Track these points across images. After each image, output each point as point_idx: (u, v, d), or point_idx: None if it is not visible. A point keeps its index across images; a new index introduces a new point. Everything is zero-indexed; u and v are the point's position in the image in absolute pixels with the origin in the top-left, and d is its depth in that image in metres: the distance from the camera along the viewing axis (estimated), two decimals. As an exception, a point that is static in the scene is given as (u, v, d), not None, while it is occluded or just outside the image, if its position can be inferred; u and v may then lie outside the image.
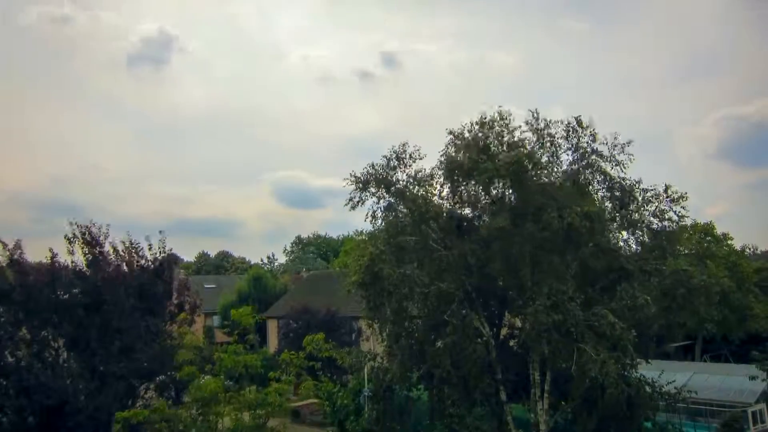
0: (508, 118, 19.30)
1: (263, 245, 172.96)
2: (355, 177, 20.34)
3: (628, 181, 19.12)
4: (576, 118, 19.10)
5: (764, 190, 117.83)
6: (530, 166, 17.99)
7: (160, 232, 25.56)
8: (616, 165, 18.94)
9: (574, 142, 19.24)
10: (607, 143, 18.96)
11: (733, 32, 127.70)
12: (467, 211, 20.50)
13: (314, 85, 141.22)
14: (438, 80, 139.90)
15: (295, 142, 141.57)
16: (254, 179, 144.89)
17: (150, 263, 24.70)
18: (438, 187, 20.27)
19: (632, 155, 18.90)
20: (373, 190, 20.28)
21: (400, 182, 20.33)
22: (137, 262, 24.56)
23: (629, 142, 18.86)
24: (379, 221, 20.35)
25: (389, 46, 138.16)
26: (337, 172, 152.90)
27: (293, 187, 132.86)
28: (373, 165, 20.33)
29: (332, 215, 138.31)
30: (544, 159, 19.00)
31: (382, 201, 20.33)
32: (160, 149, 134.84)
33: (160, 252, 24.95)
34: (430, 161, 20.49)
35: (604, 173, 19.07)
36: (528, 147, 18.75)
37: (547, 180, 18.54)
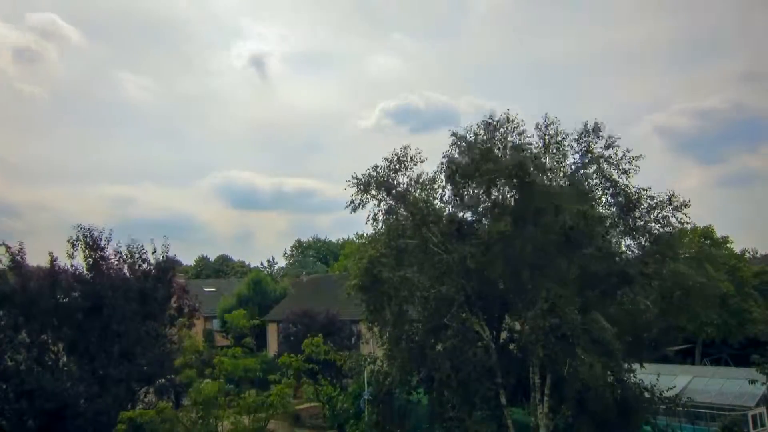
0: (514, 120, 19.37)
1: (221, 249, 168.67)
2: (356, 179, 20.38)
3: (634, 188, 19.26)
4: (595, 123, 19.35)
5: (724, 187, 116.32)
6: (533, 170, 18.03)
7: (156, 239, 25.38)
8: (623, 173, 19.14)
9: (584, 147, 19.35)
10: (616, 151, 19.15)
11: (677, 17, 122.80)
12: (467, 214, 20.55)
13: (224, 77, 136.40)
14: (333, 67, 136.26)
15: (231, 139, 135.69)
16: (197, 178, 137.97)
17: (152, 267, 24.73)
18: (439, 190, 20.36)
19: (638, 167, 19.14)
20: (373, 192, 20.33)
21: (402, 185, 20.37)
22: (139, 266, 24.60)
23: (639, 156, 19.09)
24: (380, 224, 20.39)
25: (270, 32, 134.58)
26: (283, 171, 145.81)
27: (239, 188, 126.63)
28: (375, 167, 20.41)
29: (293, 217, 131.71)
30: (548, 163, 19.05)
31: (383, 204, 20.39)
32: (91, 147, 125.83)
33: (163, 255, 25.03)
34: (430, 164, 20.57)
35: (610, 179, 19.20)
36: (533, 150, 18.81)
37: (549, 183, 18.61)
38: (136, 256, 24.62)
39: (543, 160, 18.73)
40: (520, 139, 19.09)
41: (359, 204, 20.25)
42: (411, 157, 20.37)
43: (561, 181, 19.06)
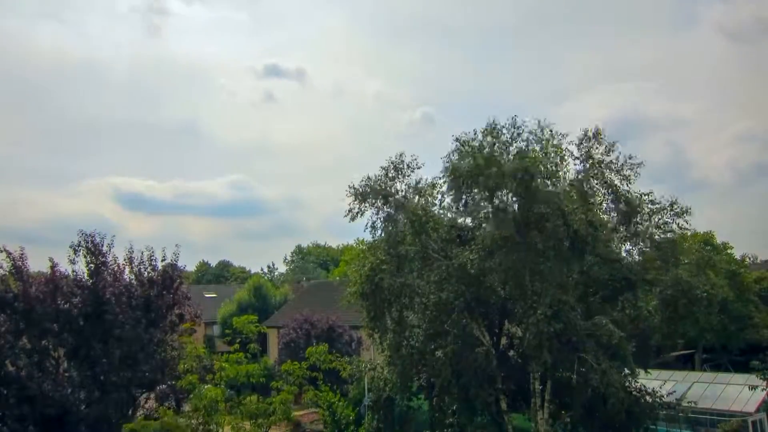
0: (520, 127, 19.32)
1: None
2: (354, 189, 20.43)
3: (634, 194, 19.29)
4: (595, 129, 19.40)
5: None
6: (539, 175, 18.06)
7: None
8: (623, 179, 19.16)
9: (584, 152, 19.39)
10: (618, 157, 19.17)
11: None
12: (468, 220, 20.59)
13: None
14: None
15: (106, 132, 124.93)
16: (78, 179, 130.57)
17: (159, 276, 24.72)
18: (439, 196, 20.38)
19: (639, 174, 19.17)
20: (371, 201, 20.38)
21: (399, 192, 20.42)
22: (148, 273, 24.61)
23: (641, 163, 19.13)
24: (379, 231, 20.43)
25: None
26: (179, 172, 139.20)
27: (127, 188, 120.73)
28: (370, 176, 20.46)
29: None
30: (550, 168, 19.08)
31: (381, 212, 20.43)
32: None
33: (172, 260, 25.04)
34: (428, 170, 20.59)
35: (611, 185, 19.23)
36: (538, 156, 18.82)
37: (552, 188, 18.64)
38: (146, 263, 24.65)
39: (545, 166, 18.71)
40: (524, 146, 19.07)
41: (357, 213, 20.31)
42: (408, 164, 20.44)
43: (565, 187, 19.06)
